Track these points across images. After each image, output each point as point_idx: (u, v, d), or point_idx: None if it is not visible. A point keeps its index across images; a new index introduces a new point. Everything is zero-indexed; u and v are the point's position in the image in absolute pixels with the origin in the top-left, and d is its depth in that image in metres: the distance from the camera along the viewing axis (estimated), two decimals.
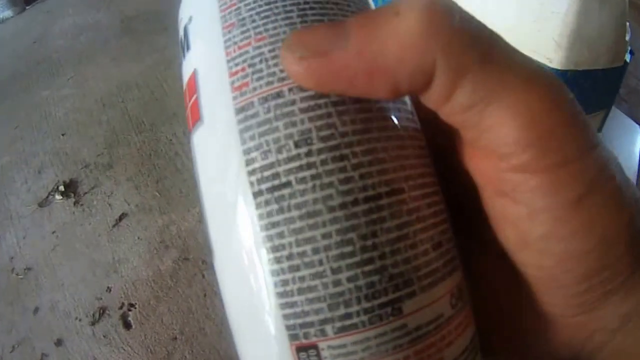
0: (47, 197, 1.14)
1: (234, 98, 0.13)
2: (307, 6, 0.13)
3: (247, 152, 0.12)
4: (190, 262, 0.94)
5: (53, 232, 1.06)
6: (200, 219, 1.01)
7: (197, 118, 0.13)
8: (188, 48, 0.15)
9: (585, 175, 0.12)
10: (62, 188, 1.15)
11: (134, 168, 1.17)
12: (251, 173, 0.12)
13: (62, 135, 1.32)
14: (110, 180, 1.15)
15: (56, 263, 1.00)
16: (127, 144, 1.24)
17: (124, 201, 1.09)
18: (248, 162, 0.12)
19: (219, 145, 0.13)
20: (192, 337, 0.84)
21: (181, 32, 0.15)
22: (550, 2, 0.62)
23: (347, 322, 0.11)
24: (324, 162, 0.12)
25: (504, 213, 0.13)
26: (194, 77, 0.14)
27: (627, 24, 0.63)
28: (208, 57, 0.14)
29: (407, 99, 0.14)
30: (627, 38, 0.64)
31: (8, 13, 2.04)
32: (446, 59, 0.11)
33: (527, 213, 0.12)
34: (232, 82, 0.13)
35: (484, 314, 0.15)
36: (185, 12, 0.15)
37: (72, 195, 1.13)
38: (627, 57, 0.66)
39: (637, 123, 0.82)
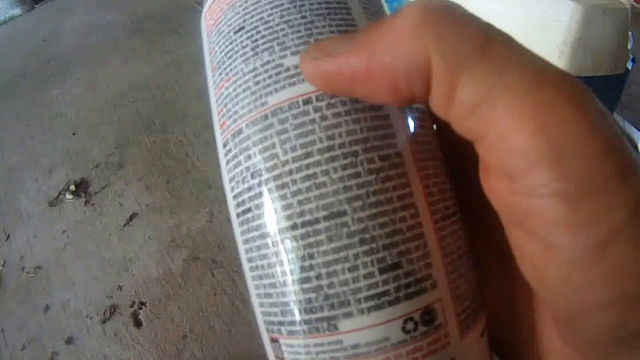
0: (58, 196, 1.15)
1: (221, 134, 0.14)
2: (258, 35, 0.14)
3: (230, 180, 0.14)
4: (200, 261, 0.95)
5: (64, 231, 1.07)
6: (210, 219, 1.02)
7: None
8: None
9: (613, 214, 0.09)
10: (72, 187, 1.16)
11: (145, 168, 1.18)
12: (234, 198, 0.14)
13: (73, 134, 1.32)
14: (121, 180, 1.16)
15: (67, 262, 1.01)
16: (137, 144, 1.25)
17: (134, 201, 1.10)
18: (231, 189, 0.14)
19: (221, 170, 0.15)
20: (201, 335, 0.85)
21: None
22: (554, 10, 0.64)
23: (293, 328, 0.13)
24: (270, 191, 0.13)
25: (521, 244, 0.11)
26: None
27: (629, 32, 0.65)
28: (210, 96, 0.15)
29: (387, 112, 0.14)
30: (629, 46, 0.65)
31: (17, 11, 2.05)
32: (439, 50, 0.11)
33: (542, 249, 0.10)
34: (219, 120, 0.14)
35: (500, 333, 0.15)
36: None
37: (83, 194, 1.14)
38: (629, 65, 0.67)
39: (639, 130, 0.82)
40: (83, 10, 1.94)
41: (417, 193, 0.13)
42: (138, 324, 0.89)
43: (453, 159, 0.15)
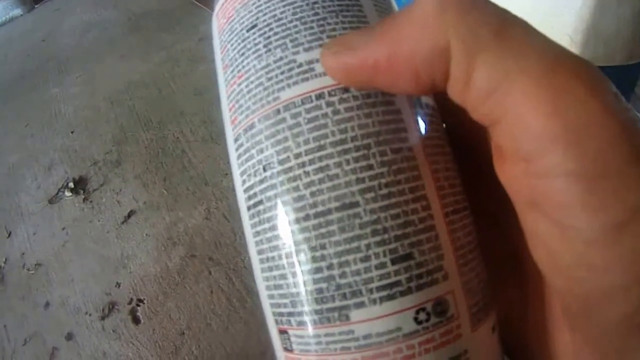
0: (57, 193, 1.16)
1: (232, 129, 0.15)
2: (271, 33, 0.14)
3: (241, 174, 0.14)
4: (197, 259, 0.96)
5: (63, 229, 1.08)
6: (207, 217, 1.03)
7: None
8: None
9: (630, 195, 0.09)
10: (71, 185, 1.16)
11: (142, 166, 1.18)
12: (245, 191, 0.14)
13: (72, 132, 1.33)
14: (118, 178, 1.16)
15: (66, 259, 1.02)
16: (135, 141, 1.25)
17: (132, 198, 1.10)
18: (243, 182, 0.14)
19: (231, 164, 0.15)
20: (199, 332, 0.86)
21: None
22: None
23: (304, 318, 0.13)
24: (282, 183, 0.13)
25: (535, 229, 0.11)
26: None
27: None
28: (220, 94, 0.16)
29: (394, 102, 0.14)
30: None
31: (17, 11, 2.06)
32: (458, 34, 0.11)
33: (558, 232, 0.10)
34: (230, 116, 0.15)
35: (511, 332, 0.15)
36: None
37: (82, 192, 1.15)
38: None
39: None
40: (81, 9, 1.95)
41: (429, 186, 0.13)
42: (136, 320, 0.89)
43: (463, 156, 0.15)
